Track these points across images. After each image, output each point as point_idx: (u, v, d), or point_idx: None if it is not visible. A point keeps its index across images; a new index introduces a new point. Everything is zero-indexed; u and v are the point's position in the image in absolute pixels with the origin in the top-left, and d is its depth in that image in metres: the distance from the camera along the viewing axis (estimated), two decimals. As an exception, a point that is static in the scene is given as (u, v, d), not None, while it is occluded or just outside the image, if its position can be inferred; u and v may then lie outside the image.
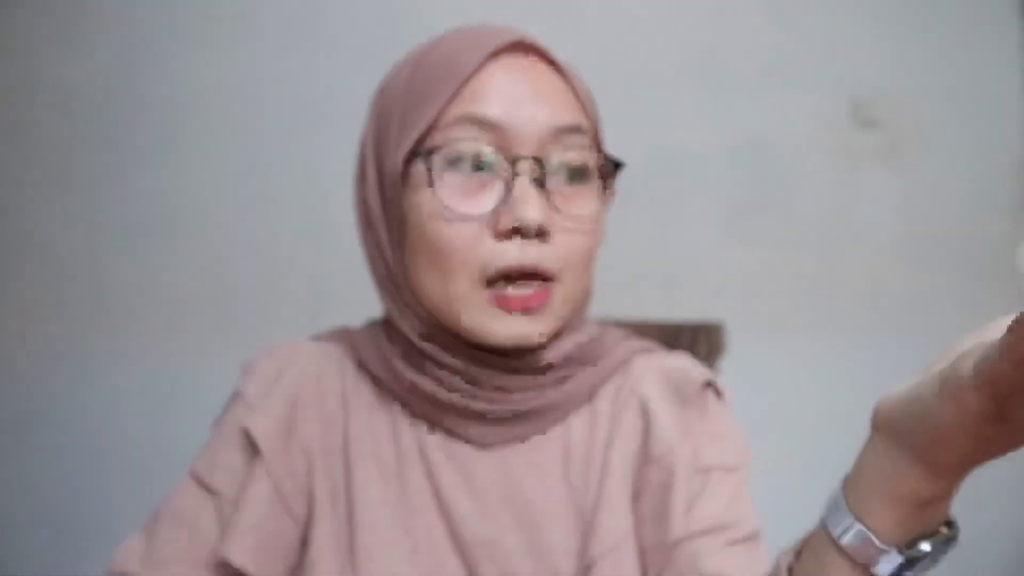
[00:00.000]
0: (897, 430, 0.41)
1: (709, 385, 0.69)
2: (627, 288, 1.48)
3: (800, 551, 0.48)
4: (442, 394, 0.64)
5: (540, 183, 0.60)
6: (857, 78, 1.59)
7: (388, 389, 0.68)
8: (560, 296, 0.62)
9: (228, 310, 1.48)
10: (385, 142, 0.64)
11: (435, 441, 0.66)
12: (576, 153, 0.62)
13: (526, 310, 0.61)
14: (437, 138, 0.61)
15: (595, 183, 0.64)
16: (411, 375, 0.65)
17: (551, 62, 0.64)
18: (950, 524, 0.44)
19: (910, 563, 0.42)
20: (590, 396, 0.68)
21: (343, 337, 0.73)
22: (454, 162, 0.60)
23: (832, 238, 1.58)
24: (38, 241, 1.48)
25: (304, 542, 0.65)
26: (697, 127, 1.56)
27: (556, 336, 0.67)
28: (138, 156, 1.49)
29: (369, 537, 0.63)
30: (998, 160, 1.62)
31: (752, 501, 0.65)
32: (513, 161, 0.60)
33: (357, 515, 0.64)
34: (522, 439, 0.66)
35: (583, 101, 0.65)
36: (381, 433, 0.67)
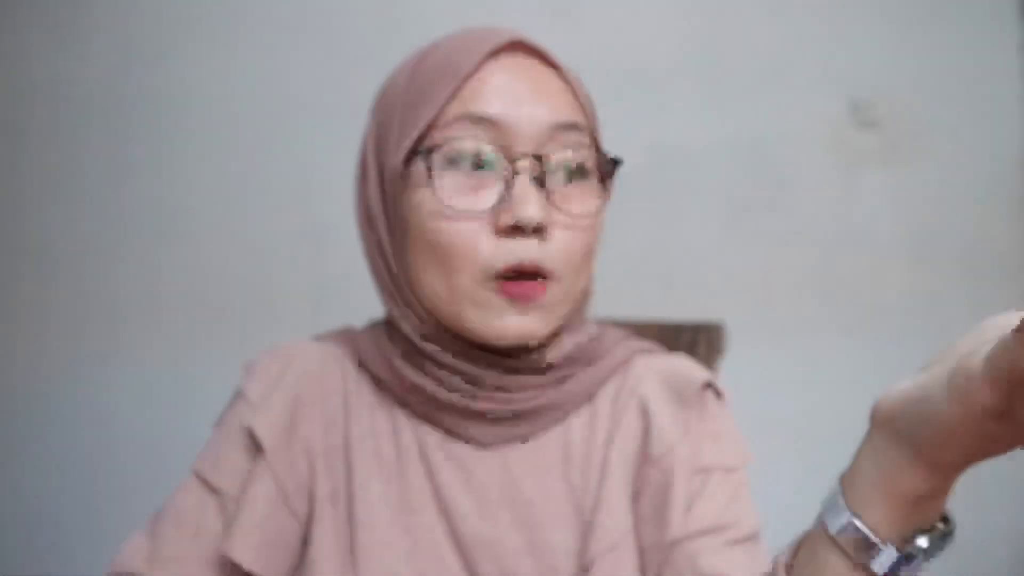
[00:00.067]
0: (899, 427, 0.41)
1: (709, 386, 0.69)
2: (627, 288, 1.48)
3: (798, 549, 0.48)
4: (442, 394, 0.64)
5: (539, 181, 0.60)
6: (857, 78, 1.59)
7: (389, 389, 0.68)
8: (559, 293, 0.63)
9: (228, 310, 1.48)
10: (385, 142, 0.64)
11: (435, 441, 0.66)
12: (575, 151, 0.63)
13: (526, 302, 0.61)
14: (437, 137, 0.61)
15: (593, 181, 0.64)
16: (411, 375, 0.65)
17: (549, 62, 0.64)
18: (946, 520, 0.44)
19: (907, 559, 0.43)
20: (590, 396, 0.68)
21: (344, 337, 0.73)
22: (454, 160, 0.61)
23: (832, 238, 1.58)
24: (36, 242, 1.48)
25: (305, 541, 0.65)
26: (697, 127, 1.56)
27: (556, 336, 0.67)
28: (137, 157, 1.49)
29: (369, 536, 0.63)
30: (998, 160, 1.62)
31: (751, 501, 0.65)
32: (512, 159, 0.60)
33: (357, 514, 0.64)
34: (522, 439, 0.66)
35: (581, 100, 0.65)
36: (382, 433, 0.67)
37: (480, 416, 0.65)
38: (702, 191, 1.56)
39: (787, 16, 1.58)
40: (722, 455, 0.66)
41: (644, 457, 0.65)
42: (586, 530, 0.64)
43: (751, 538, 0.63)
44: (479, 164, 0.61)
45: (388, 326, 0.69)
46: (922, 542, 0.43)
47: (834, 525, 0.44)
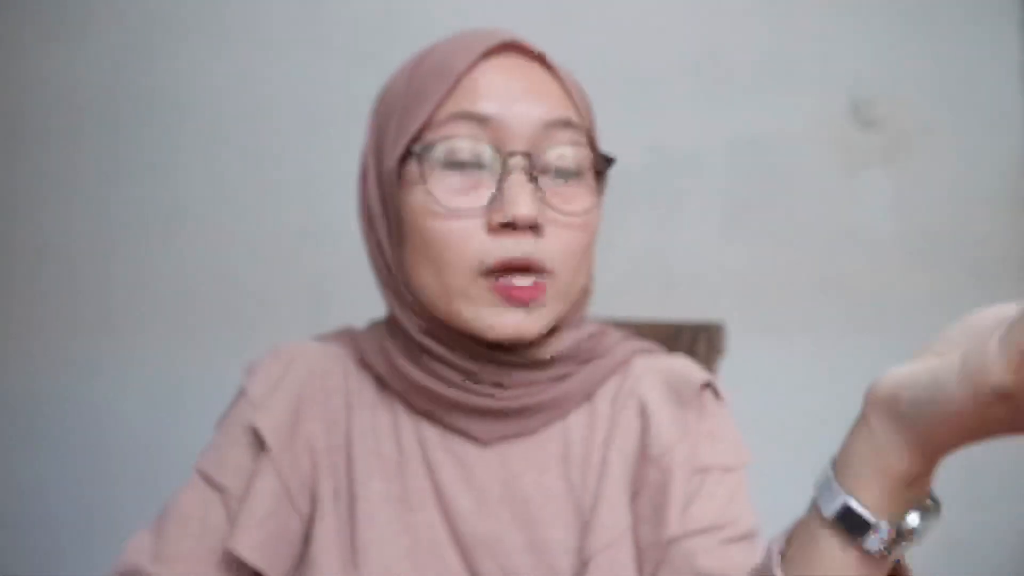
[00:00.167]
0: (902, 407, 0.41)
1: (708, 386, 0.69)
2: (627, 288, 1.48)
3: (792, 536, 0.48)
4: (442, 389, 0.65)
5: (533, 178, 0.61)
6: (857, 78, 1.59)
7: (390, 387, 0.68)
8: (555, 290, 0.63)
9: (230, 310, 1.48)
10: (383, 143, 0.65)
11: (436, 438, 0.67)
12: (568, 149, 0.63)
13: (524, 301, 0.61)
14: (431, 136, 0.62)
15: (588, 179, 0.65)
16: (411, 371, 0.66)
17: (543, 62, 0.65)
18: (933, 499, 0.45)
19: (899, 537, 0.44)
20: (589, 395, 0.69)
21: (345, 337, 0.74)
22: (448, 158, 0.61)
23: (832, 238, 1.58)
24: (40, 241, 1.49)
25: (306, 539, 0.66)
26: (697, 127, 1.56)
27: (555, 332, 0.67)
28: (140, 157, 1.49)
29: (370, 534, 0.64)
30: (998, 160, 1.62)
31: (750, 501, 0.66)
32: (505, 157, 0.61)
33: (358, 512, 0.64)
34: (521, 436, 0.67)
35: (575, 98, 0.65)
36: (383, 431, 0.68)
37: (479, 412, 0.65)
38: (701, 191, 1.56)
39: (787, 16, 1.58)
40: (720, 455, 0.66)
41: (643, 456, 0.65)
42: (585, 528, 0.64)
43: (749, 537, 0.63)
44: (472, 163, 0.61)
45: (389, 324, 0.70)
46: (913, 520, 0.44)
47: (829, 508, 0.44)
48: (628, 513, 0.64)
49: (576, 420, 0.68)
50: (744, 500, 0.65)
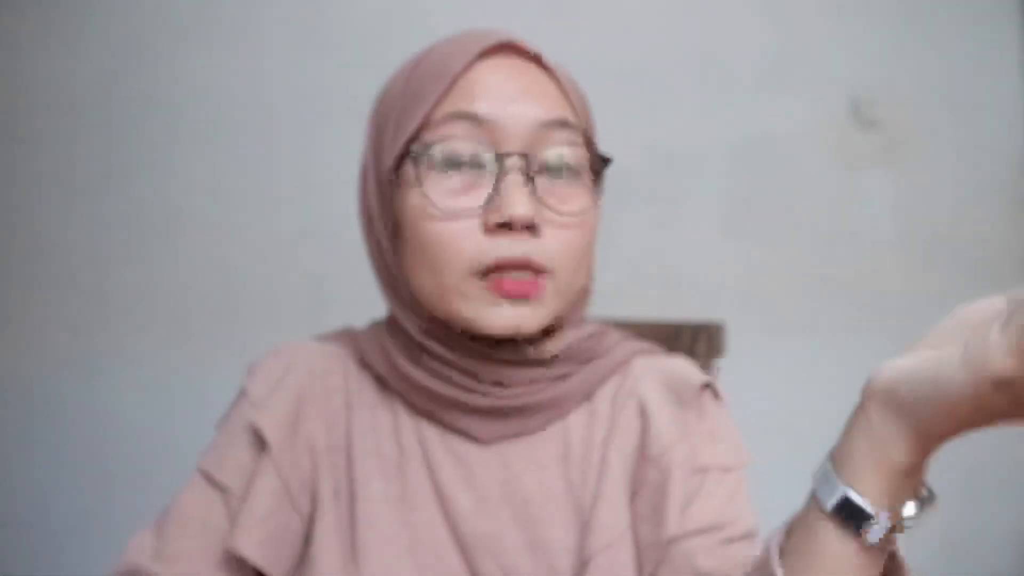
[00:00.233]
0: (902, 400, 0.42)
1: (707, 387, 0.69)
2: (627, 288, 1.48)
3: (790, 530, 0.49)
4: (441, 388, 0.65)
5: (529, 178, 0.61)
6: (857, 78, 1.59)
7: (390, 386, 0.69)
8: (552, 288, 0.63)
9: (229, 310, 1.48)
10: (381, 144, 0.65)
11: (436, 437, 0.67)
12: (565, 148, 0.63)
13: (520, 297, 0.61)
14: (427, 137, 0.62)
15: (585, 179, 0.65)
16: (411, 370, 0.66)
17: (539, 62, 0.65)
18: (928, 489, 0.46)
19: (897, 527, 0.45)
20: (588, 395, 0.69)
21: (346, 337, 0.74)
22: (443, 160, 0.61)
23: (832, 238, 1.58)
24: (40, 242, 1.49)
25: (307, 538, 0.66)
26: (697, 127, 1.56)
27: (555, 332, 0.67)
28: (139, 157, 1.49)
29: (370, 533, 0.64)
30: (998, 160, 1.62)
31: (749, 502, 0.66)
32: (501, 157, 0.61)
33: (358, 511, 0.65)
34: (521, 435, 0.67)
35: (572, 98, 0.65)
36: (383, 430, 0.68)
37: (479, 411, 0.65)
38: (702, 191, 1.56)
39: (787, 16, 1.58)
40: (720, 455, 0.66)
41: (642, 456, 0.66)
42: (584, 527, 0.64)
43: (747, 537, 0.63)
44: (469, 163, 0.61)
45: (390, 324, 0.70)
46: (911, 510, 0.45)
47: (829, 499, 0.45)
48: (628, 513, 0.64)
49: (576, 420, 0.68)
50: (743, 500, 0.65)
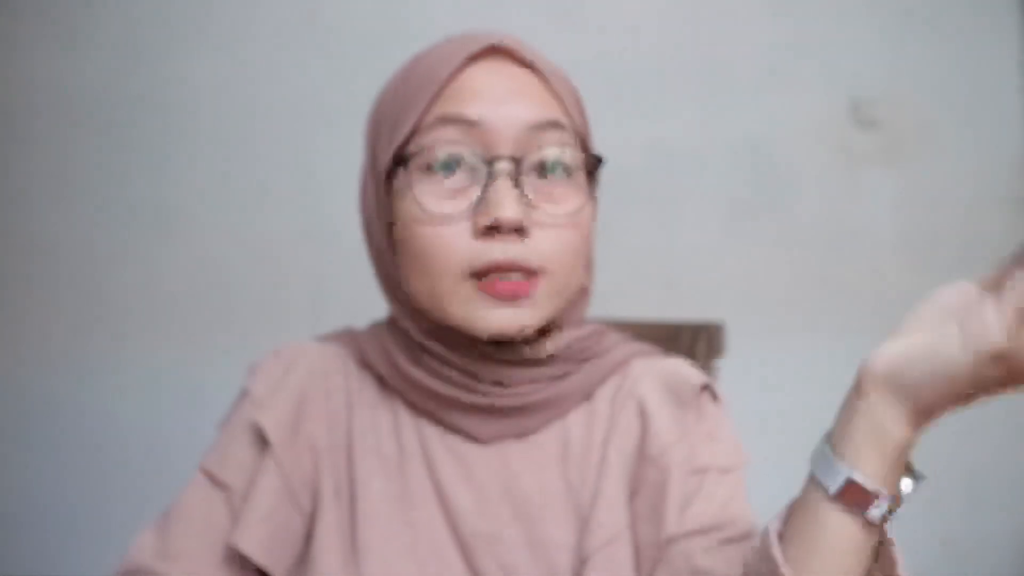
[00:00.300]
0: (903, 382, 0.45)
1: (706, 388, 0.70)
2: (627, 288, 1.48)
3: (788, 515, 0.50)
4: (442, 388, 0.66)
5: (518, 181, 0.61)
6: (857, 78, 1.59)
7: (390, 386, 0.69)
8: (546, 289, 0.63)
9: (227, 311, 1.48)
10: (377, 149, 0.66)
11: (436, 436, 0.67)
12: (556, 149, 0.63)
13: (512, 298, 0.61)
14: (418, 142, 0.62)
15: (578, 179, 0.64)
16: (412, 370, 0.66)
17: (530, 64, 0.65)
18: (912, 467, 0.49)
19: (896, 502, 0.47)
20: (588, 395, 0.69)
21: (346, 338, 0.74)
22: (433, 164, 0.61)
23: (832, 238, 1.58)
24: (36, 242, 1.49)
25: (308, 537, 0.66)
26: (697, 127, 1.56)
27: (554, 331, 0.68)
28: (137, 157, 1.49)
29: (370, 531, 0.64)
30: (998, 160, 1.62)
31: (748, 502, 0.66)
32: (490, 160, 0.61)
33: (359, 510, 0.65)
34: (521, 434, 0.67)
35: (564, 99, 0.65)
36: (383, 429, 0.68)
37: (479, 410, 0.66)
38: (702, 191, 1.56)
39: (787, 16, 1.58)
40: (718, 456, 0.66)
41: (642, 456, 0.66)
42: (583, 526, 0.64)
43: (746, 537, 0.64)
44: (458, 166, 0.61)
45: (391, 324, 0.70)
46: (907, 486, 0.48)
47: (832, 482, 0.47)
48: (626, 512, 0.64)
49: (575, 419, 0.68)
50: (742, 501, 0.66)
